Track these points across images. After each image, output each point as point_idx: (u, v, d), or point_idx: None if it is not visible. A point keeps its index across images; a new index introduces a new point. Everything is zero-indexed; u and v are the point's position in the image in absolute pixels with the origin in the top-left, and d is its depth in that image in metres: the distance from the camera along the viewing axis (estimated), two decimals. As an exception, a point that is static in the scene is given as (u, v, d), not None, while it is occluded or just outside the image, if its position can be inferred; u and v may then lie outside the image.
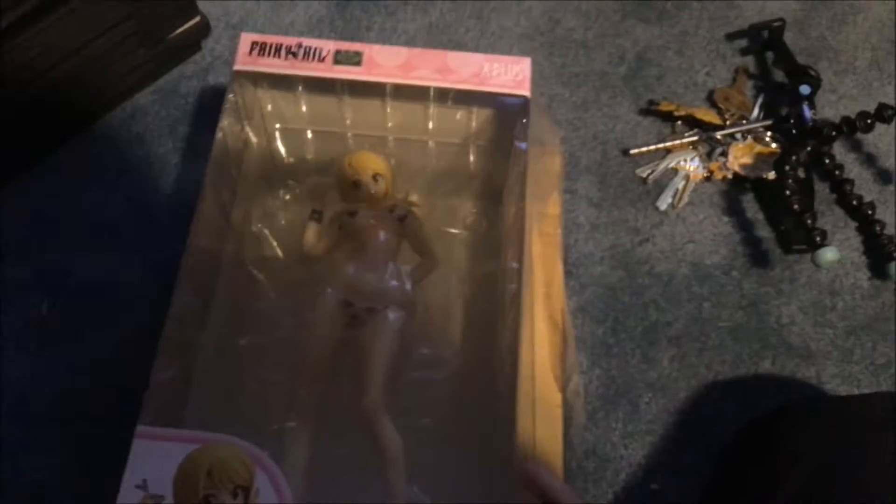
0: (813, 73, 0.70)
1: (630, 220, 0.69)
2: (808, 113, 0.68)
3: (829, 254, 0.59)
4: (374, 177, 0.58)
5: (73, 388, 0.60)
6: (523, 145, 0.56)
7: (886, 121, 0.63)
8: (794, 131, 0.69)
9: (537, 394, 0.54)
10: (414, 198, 0.61)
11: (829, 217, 0.69)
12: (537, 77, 0.75)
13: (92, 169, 0.69)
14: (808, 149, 0.67)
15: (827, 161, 0.68)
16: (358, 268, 0.56)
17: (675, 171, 0.71)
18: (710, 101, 0.74)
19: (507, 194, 0.59)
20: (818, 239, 0.60)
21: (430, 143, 0.62)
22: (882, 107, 0.64)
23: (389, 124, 0.60)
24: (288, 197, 0.64)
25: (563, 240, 0.66)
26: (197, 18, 0.71)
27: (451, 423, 0.54)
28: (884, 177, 0.71)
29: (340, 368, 0.55)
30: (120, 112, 0.71)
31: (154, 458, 0.43)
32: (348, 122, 0.61)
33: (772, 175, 0.68)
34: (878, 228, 0.66)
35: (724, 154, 0.71)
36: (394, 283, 0.56)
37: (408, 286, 0.57)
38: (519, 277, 0.50)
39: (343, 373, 0.54)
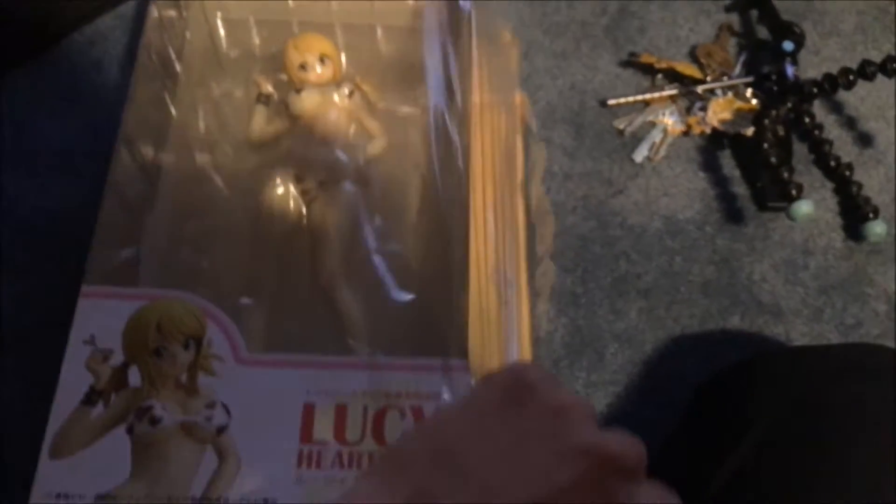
0: (797, 30, 0.69)
1: (605, 171, 0.67)
2: (790, 70, 0.67)
3: (804, 207, 0.58)
4: (321, 58, 0.57)
5: (21, 317, 0.58)
6: (466, 4, 0.55)
7: (869, 77, 0.62)
8: (775, 88, 0.67)
9: (491, 270, 0.53)
10: (365, 86, 0.60)
11: (807, 177, 0.67)
12: (517, 24, 0.74)
13: (47, 94, 0.66)
14: (789, 105, 0.65)
15: (807, 120, 0.67)
16: (308, 143, 0.55)
17: (652, 124, 0.69)
18: (692, 56, 0.73)
19: (458, 71, 0.57)
20: (794, 192, 0.59)
21: (379, 30, 0.60)
22: (865, 63, 0.62)
23: (334, 6, 0.59)
24: (234, 90, 0.62)
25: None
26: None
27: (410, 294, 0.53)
28: (864, 139, 0.70)
29: (296, 247, 0.54)
30: (79, 36, 0.68)
31: (101, 315, 0.42)
32: (291, 4, 0.59)
33: (750, 131, 0.66)
34: (854, 189, 0.65)
35: (704, 109, 0.69)
36: (344, 156, 0.55)
37: (360, 160, 0.56)
38: (466, 155, 0.51)
39: (299, 251, 0.53)
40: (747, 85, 0.70)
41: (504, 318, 0.50)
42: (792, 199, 0.59)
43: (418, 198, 0.58)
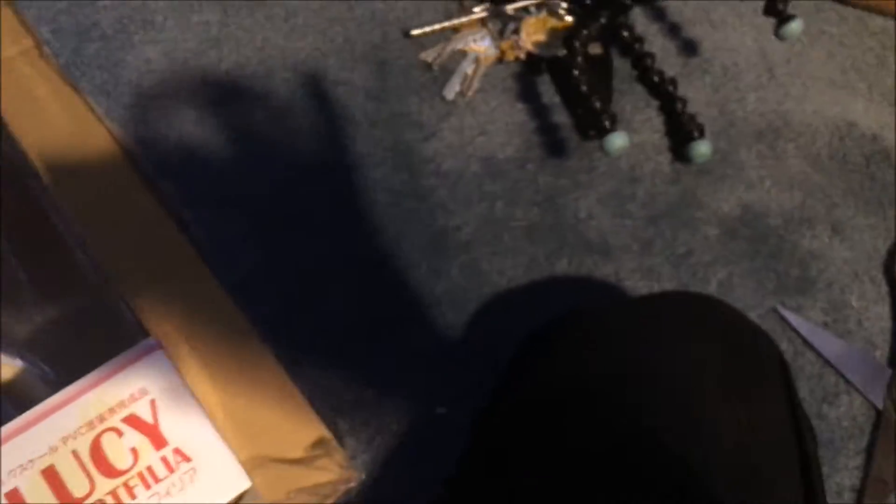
0: (609, -68, 0.62)
1: (413, 113, 0.60)
2: (602, -21, 0.61)
3: (617, 140, 0.53)
4: None
5: None
6: None
7: (681, -16, 0.57)
8: (588, 2, 0.61)
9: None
10: None
11: (630, 96, 0.63)
12: (304, -52, 0.64)
13: None
14: (602, 21, 0.59)
15: (625, 34, 0.62)
16: None
17: (463, 53, 0.62)
18: (503, -30, 0.65)
19: None
20: (607, 124, 0.54)
21: None
22: (676, -32, 0.57)
23: None
24: None
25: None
26: None
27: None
28: (689, 47, 0.65)
29: None
30: None
31: None
32: None
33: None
34: (679, 106, 0.61)
35: (517, 31, 0.63)
36: None
37: None
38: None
39: None
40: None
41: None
42: (605, 132, 0.54)
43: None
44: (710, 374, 0.41)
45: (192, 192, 0.56)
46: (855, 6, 0.68)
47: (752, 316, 0.56)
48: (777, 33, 0.55)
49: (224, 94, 0.59)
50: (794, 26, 0.54)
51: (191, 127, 0.58)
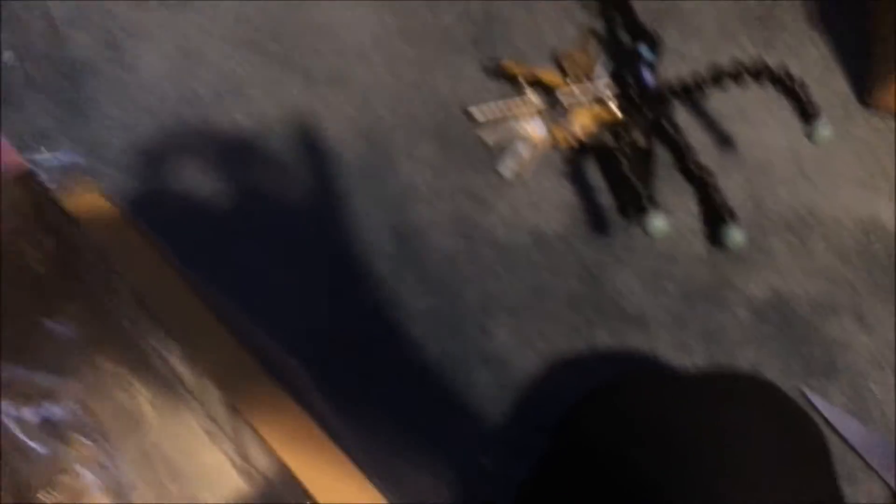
0: (654, 35, 0.69)
1: (472, 186, 0.66)
2: (648, 76, 0.67)
3: (656, 221, 0.58)
4: None
5: None
6: None
7: (722, 87, 0.62)
8: (634, 96, 0.67)
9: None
10: None
11: (670, 183, 0.68)
12: (380, 33, 0.71)
13: None
14: (649, 116, 0.65)
15: (668, 127, 0.67)
16: None
17: (518, 132, 0.68)
18: (556, 61, 0.72)
19: None
20: (648, 207, 0.59)
21: None
22: (717, 71, 0.63)
23: None
24: None
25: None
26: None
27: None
28: (725, 142, 0.71)
29: None
30: None
31: None
32: None
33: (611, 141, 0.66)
34: (714, 194, 0.65)
35: (568, 118, 0.68)
36: None
37: None
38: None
39: None
40: (609, 91, 0.69)
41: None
42: (647, 214, 0.59)
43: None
44: (769, 448, 0.44)
45: (277, 251, 0.61)
46: (881, 111, 0.73)
47: (778, 394, 0.59)
48: (809, 136, 0.60)
49: (303, 156, 0.65)
50: (826, 133, 0.59)
51: (270, 185, 0.64)
